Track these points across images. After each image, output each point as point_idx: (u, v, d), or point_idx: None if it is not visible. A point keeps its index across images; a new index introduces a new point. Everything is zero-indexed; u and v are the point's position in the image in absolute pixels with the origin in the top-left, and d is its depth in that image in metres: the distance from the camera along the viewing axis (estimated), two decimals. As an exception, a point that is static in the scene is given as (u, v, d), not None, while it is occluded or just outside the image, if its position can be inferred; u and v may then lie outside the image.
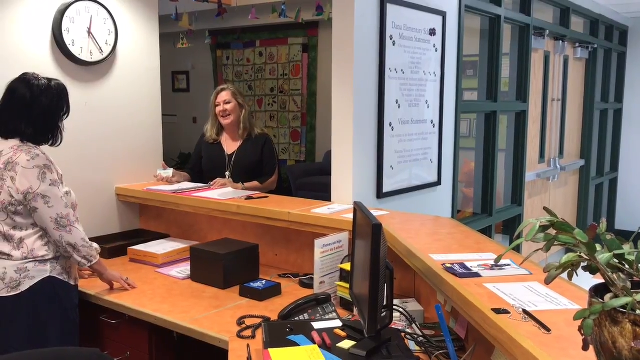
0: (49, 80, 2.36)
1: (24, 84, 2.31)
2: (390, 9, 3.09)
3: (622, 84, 7.53)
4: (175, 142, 10.37)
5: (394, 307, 1.90)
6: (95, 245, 2.47)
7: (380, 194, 3.22)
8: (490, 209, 4.45)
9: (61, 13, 3.02)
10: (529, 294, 1.61)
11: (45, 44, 3.01)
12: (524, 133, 4.89)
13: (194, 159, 3.76)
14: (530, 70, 4.89)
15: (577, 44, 6.04)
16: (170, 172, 3.45)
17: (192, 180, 3.56)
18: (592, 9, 6.17)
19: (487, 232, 4.50)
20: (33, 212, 2.28)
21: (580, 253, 1.07)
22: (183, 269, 2.85)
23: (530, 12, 4.75)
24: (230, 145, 3.59)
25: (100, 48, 3.22)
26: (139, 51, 3.48)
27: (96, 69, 3.25)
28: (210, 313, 2.33)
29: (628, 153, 7.65)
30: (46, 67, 2.99)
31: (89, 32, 3.16)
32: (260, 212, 2.84)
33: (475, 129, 4.73)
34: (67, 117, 2.42)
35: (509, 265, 1.88)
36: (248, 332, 2.10)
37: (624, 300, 0.93)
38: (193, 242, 3.10)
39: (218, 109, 3.55)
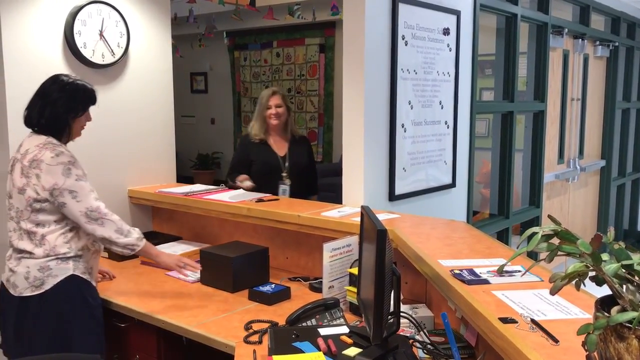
0: (75, 80, 2.39)
1: (51, 80, 2.37)
2: (402, 8, 3.04)
3: (645, 83, 7.37)
4: (193, 143, 10.43)
5: (402, 313, 1.86)
6: (135, 232, 2.42)
7: (392, 197, 3.17)
8: (507, 211, 4.38)
9: (73, 16, 3.03)
10: (538, 302, 1.56)
11: (57, 46, 3.02)
12: (542, 133, 4.80)
13: (242, 165, 3.62)
14: (548, 70, 4.80)
15: (598, 42, 5.92)
16: (249, 183, 3.46)
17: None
18: (614, 6, 6.04)
19: (504, 234, 4.42)
20: (62, 208, 2.29)
21: (586, 263, 1.03)
22: (192, 272, 2.84)
23: (549, 10, 4.66)
24: (280, 147, 3.61)
25: (112, 51, 3.23)
26: (151, 53, 3.48)
27: (108, 71, 3.25)
28: (219, 317, 2.31)
29: (651, 153, 7.48)
30: (58, 70, 2.99)
31: (101, 35, 3.16)
32: (270, 215, 2.82)
33: (492, 129, 4.65)
34: (81, 115, 2.40)
35: (519, 271, 1.83)
36: (255, 337, 2.08)
37: (630, 315, 0.88)
38: (204, 245, 3.09)
39: (270, 111, 3.58)
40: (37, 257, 2.28)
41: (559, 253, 0.99)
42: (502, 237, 4.40)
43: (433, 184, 3.51)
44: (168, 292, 2.64)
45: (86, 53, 3.10)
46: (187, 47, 8.45)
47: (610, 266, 1.01)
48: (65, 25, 3.03)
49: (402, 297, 2.41)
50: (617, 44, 6.21)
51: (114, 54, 3.24)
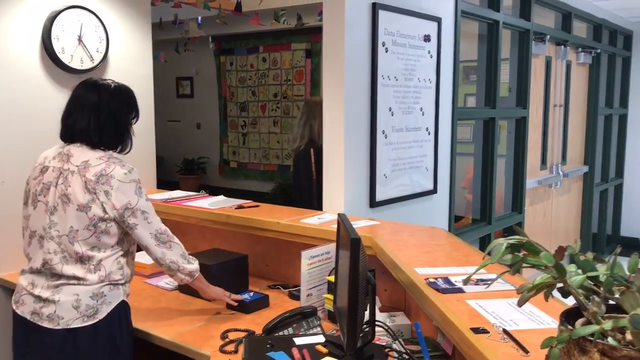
0: (114, 82, 2.21)
1: (90, 87, 2.15)
2: (382, 15, 3.04)
3: (627, 89, 7.44)
4: (179, 148, 10.36)
5: (377, 322, 1.85)
6: (193, 257, 2.29)
7: (373, 203, 3.17)
8: (489, 217, 4.39)
9: (51, 20, 3.00)
10: (512, 312, 1.55)
11: (35, 51, 2.99)
12: (524, 139, 4.82)
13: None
14: (530, 76, 4.82)
15: (580, 49, 5.97)
16: None
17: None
18: (595, 14, 6.10)
19: (486, 240, 4.43)
20: (131, 230, 2.09)
21: (552, 275, 1.02)
22: (172, 280, 2.81)
23: (531, 17, 4.69)
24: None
25: (91, 56, 3.20)
26: (131, 58, 3.45)
27: (87, 77, 3.21)
28: (195, 326, 2.29)
29: (633, 159, 7.55)
30: (35, 75, 2.97)
31: (80, 40, 3.13)
32: (249, 222, 2.80)
33: (474, 135, 4.67)
34: (136, 121, 2.27)
35: (491, 280, 1.82)
36: (231, 347, 2.06)
37: (591, 328, 0.88)
38: (184, 252, 3.06)
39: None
40: (90, 283, 2.04)
41: (524, 265, 0.98)
42: (485, 243, 4.41)
43: (414, 190, 3.51)
44: (146, 299, 2.61)
45: (64, 58, 3.07)
46: (173, 52, 8.40)
47: (575, 278, 1.01)
48: (43, 30, 3.00)
49: (380, 304, 2.41)
50: (599, 50, 6.26)
51: (92, 59, 3.21)
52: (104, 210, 2.03)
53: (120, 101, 2.18)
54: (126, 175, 2.06)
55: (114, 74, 3.35)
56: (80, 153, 2.09)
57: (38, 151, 2.29)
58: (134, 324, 2.26)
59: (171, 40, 8.36)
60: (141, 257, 3.01)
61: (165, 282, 2.81)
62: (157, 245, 2.14)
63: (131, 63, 3.45)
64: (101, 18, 3.22)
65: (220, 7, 5.96)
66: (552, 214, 5.72)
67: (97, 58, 3.23)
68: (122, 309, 2.13)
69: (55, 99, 3.01)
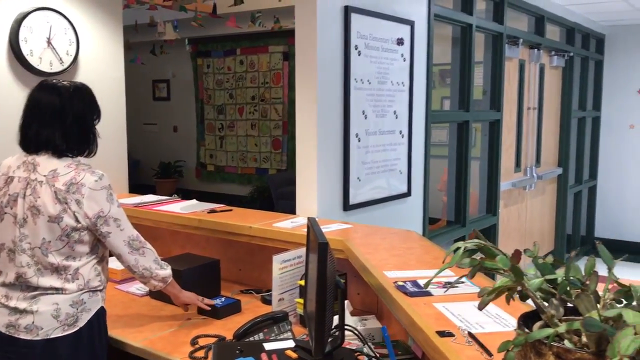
0: (71, 82, 2.11)
1: (49, 90, 2.04)
2: (355, 18, 3.05)
3: (600, 92, 7.56)
4: (155, 151, 10.29)
5: (346, 326, 1.85)
6: (165, 263, 2.25)
7: (347, 206, 3.17)
8: (463, 219, 4.42)
9: (18, 22, 2.95)
10: (477, 315, 1.56)
11: (2, 54, 2.94)
12: (498, 142, 4.87)
13: None
14: (504, 79, 4.87)
15: (553, 52, 6.05)
16: None
17: None
18: (568, 17, 6.18)
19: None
20: (104, 238, 2.03)
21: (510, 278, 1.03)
22: (143, 286, 2.77)
23: (504, 21, 4.74)
24: None
25: (61, 58, 3.15)
26: (102, 61, 3.42)
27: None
28: (165, 332, 2.26)
29: (607, 161, 7.66)
30: (3, 78, 2.92)
31: (49, 42, 3.09)
32: (221, 227, 2.78)
33: (448, 138, 4.70)
34: (98, 121, 2.16)
35: (462, 282, 1.83)
36: (201, 353, 2.04)
37: (546, 331, 0.88)
38: (156, 257, 3.03)
39: None
40: (70, 292, 2.00)
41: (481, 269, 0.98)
42: (460, 245, 4.43)
43: (388, 193, 3.52)
44: (116, 306, 2.57)
45: (33, 61, 3.02)
46: (149, 55, 8.34)
47: (533, 281, 1.01)
48: (10, 32, 2.95)
49: (352, 308, 2.41)
50: (572, 54, 6.35)
51: (62, 62, 3.16)
52: (77, 220, 1.97)
53: (83, 102, 2.08)
54: (97, 182, 2.00)
55: (85, 77, 3.31)
56: (46, 162, 2.01)
57: (6, 156, 2.23)
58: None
59: (147, 42, 8.30)
60: (111, 263, 2.97)
61: (136, 287, 2.77)
62: (130, 252, 2.10)
63: (102, 66, 3.42)
64: (71, 20, 3.19)
65: (196, 9, 5.92)
66: (527, 215, 5.78)
67: (67, 61, 3.19)
68: (101, 315, 2.10)
69: (23, 102, 2.95)
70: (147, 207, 3.09)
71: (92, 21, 3.34)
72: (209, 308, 2.39)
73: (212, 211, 2.98)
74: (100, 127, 3.36)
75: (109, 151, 3.48)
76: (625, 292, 0.98)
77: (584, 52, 6.82)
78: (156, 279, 2.18)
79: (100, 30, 3.38)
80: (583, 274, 1.01)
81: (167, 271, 2.22)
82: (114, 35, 3.47)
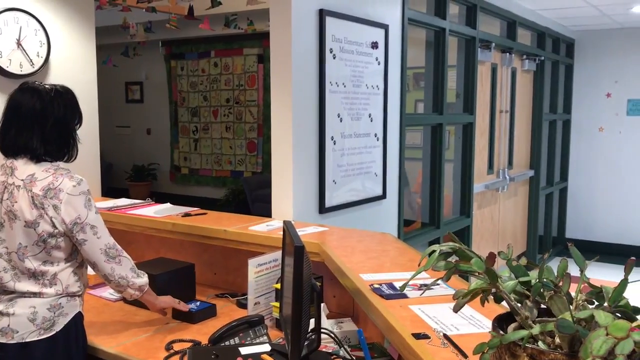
0: (52, 85, 2.06)
1: (30, 93, 1.99)
2: (330, 22, 3.06)
3: (570, 95, 7.70)
4: (128, 154, 10.17)
5: (323, 329, 1.84)
6: (141, 271, 2.20)
7: (322, 209, 3.17)
8: (437, 221, 4.46)
9: (-13, 24, 2.90)
10: (453, 317, 1.57)
11: (-30, 56, 2.88)
12: (471, 145, 4.92)
13: None
14: (477, 83, 4.93)
15: (525, 56, 6.14)
16: None
17: None
18: (539, 22, 6.29)
19: (435, 244, 4.49)
20: (80, 246, 1.99)
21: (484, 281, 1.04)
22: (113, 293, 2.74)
23: (476, 25, 4.80)
24: None
25: (31, 60, 3.10)
26: (74, 63, 3.37)
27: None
28: (140, 338, 2.23)
29: (577, 163, 7.81)
30: (-30, 80, 2.86)
31: (19, 44, 3.03)
32: (196, 230, 2.76)
33: (422, 141, 4.73)
34: (80, 125, 2.13)
35: (438, 284, 1.84)
36: (176, 358, 2.02)
37: (520, 333, 0.89)
38: (130, 261, 2.99)
39: None
40: (47, 296, 1.97)
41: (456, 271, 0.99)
42: (434, 246, 4.46)
43: (364, 195, 3.53)
44: (89, 311, 2.52)
45: (2, 62, 2.97)
46: (122, 56, 8.25)
47: (508, 283, 1.03)
48: (-21, 34, 2.89)
49: (328, 311, 2.41)
50: (542, 58, 6.46)
51: (33, 63, 3.11)
52: (53, 226, 1.94)
53: (64, 106, 2.04)
54: (75, 187, 1.97)
55: (56, 79, 3.25)
56: (24, 166, 1.98)
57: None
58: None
59: (120, 44, 8.21)
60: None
61: (110, 292, 2.73)
62: (106, 261, 2.04)
63: (74, 68, 3.37)
64: (42, 21, 3.13)
65: (170, 11, 5.87)
66: (500, 217, 5.85)
67: (38, 63, 3.13)
68: (79, 320, 2.07)
69: (-8, 105, 2.90)
70: (120, 211, 3.05)
71: (64, 22, 3.29)
72: (187, 309, 2.37)
73: (187, 215, 2.96)
74: (72, 130, 3.33)
75: (80, 154, 3.38)
76: (596, 293, 1.00)
77: (554, 56, 6.95)
78: (133, 288, 2.14)
79: (72, 31, 3.34)
80: (556, 275, 1.03)
81: (143, 279, 2.18)
82: (86, 36, 3.42)
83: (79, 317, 2.06)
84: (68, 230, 1.96)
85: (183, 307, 2.37)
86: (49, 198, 1.93)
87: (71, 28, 3.33)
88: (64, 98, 2.06)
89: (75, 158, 2.14)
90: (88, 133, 3.48)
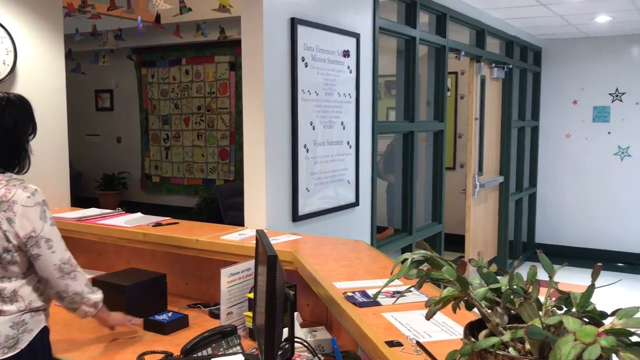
0: (6, 93, 1.99)
1: None
2: (301, 30, 3.07)
3: (538, 102, 7.84)
4: (98, 163, 10.02)
5: (296, 339, 1.84)
6: (97, 288, 2.13)
7: (296, 217, 3.17)
8: (410, 227, 4.49)
9: (-49, 31, 2.84)
10: (425, 324, 1.58)
11: None
12: (442, 152, 4.98)
13: None
14: (446, 91, 4.99)
15: (494, 64, 6.24)
16: None
17: None
18: (507, 31, 6.40)
19: (408, 250, 4.52)
20: (35, 260, 1.91)
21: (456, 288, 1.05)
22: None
23: (446, 34, 4.86)
24: None
25: (-3, 68, 3.04)
26: (42, 71, 3.31)
27: (-8, 90, 3.06)
28: (110, 350, 2.20)
29: (545, 169, 7.95)
30: None
31: (-16, 52, 2.97)
32: (167, 240, 2.73)
33: (394, 148, 4.77)
34: (34, 136, 2.06)
35: (411, 292, 1.85)
36: (147, 370, 1.99)
37: (491, 340, 0.90)
38: (100, 273, 2.94)
39: None
40: (9, 313, 1.90)
41: (427, 280, 1.00)
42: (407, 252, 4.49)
43: (337, 203, 3.54)
44: (57, 323, 2.47)
45: (-33, 71, 2.91)
46: (91, 64, 8.14)
47: (479, 290, 1.04)
48: (-58, 41, 2.83)
49: (302, 320, 2.40)
50: (511, 66, 6.57)
51: (-1, 71, 3.05)
52: (7, 240, 1.88)
53: (15, 117, 1.96)
54: (29, 198, 1.90)
55: (24, 87, 3.20)
56: None
57: None
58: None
59: (89, 51, 8.10)
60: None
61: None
62: (60, 277, 1.95)
63: (42, 76, 3.31)
64: (8, 29, 3.08)
65: (140, 19, 5.81)
66: (470, 223, 5.91)
67: (4, 71, 3.07)
68: (45, 335, 2.00)
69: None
70: (90, 221, 3.00)
71: (31, 30, 3.23)
72: (138, 327, 2.31)
73: (158, 224, 2.93)
74: (40, 139, 3.26)
75: (49, 163, 3.37)
76: (565, 299, 1.02)
77: (522, 64, 7.07)
78: (88, 304, 2.04)
79: (39, 39, 3.28)
80: (525, 282, 1.04)
81: (98, 296, 2.10)
82: (54, 44, 3.37)
83: (44, 332, 2.00)
84: (22, 244, 1.90)
85: (134, 325, 2.30)
86: (2, 211, 1.87)
87: (39, 35, 3.28)
88: (16, 107, 1.98)
89: (27, 170, 2.06)
90: (56, 142, 3.42)
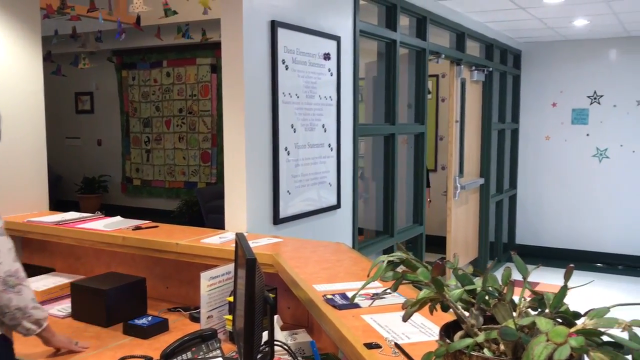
0: None
1: None
2: (282, 33, 3.07)
3: (518, 105, 7.92)
4: (78, 166, 9.92)
5: (276, 342, 1.84)
6: (42, 307, 1.99)
7: (277, 220, 3.16)
8: (391, 229, 4.50)
9: None
10: (404, 325, 1.59)
11: None
12: (422, 154, 5.01)
13: None
14: (427, 93, 5.02)
15: (474, 67, 6.29)
16: None
17: None
18: (487, 34, 6.46)
19: (389, 252, 4.54)
20: None
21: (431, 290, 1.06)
22: (65, 307, 2.67)
23: (426, 37, 4.89)
24: None
25: (-27, 71, 3.00)
26: (19, 74, 3.27)
27: (-32, 93, 3.02)
28: (89, 354, 2.18)
29: (525, 170, 8.03)
30: None
31: (-41, 54, 2.93)
32: (147, 244, 2.71)
33: (373, 150, 4.78)
34: None
35: (389, 293, 1.86)
36: (126, 375, 1.98)
37: (466, 342, 0.91)
38: (79, 277, 2.92)
39: None
40: None
41: (404, 281, 1.01)
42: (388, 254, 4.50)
43: (319, 205, 3.54)
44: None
45: (-58, 73, 2.86)
46: (71, 66, 8.06)
47: (454, 292, 1.05)
48: None
49: (282, 323, 2.40)
50: (491, 69, 6.63)
51: (-25, 74, 3.01)
52: None
53: None
54: None
55: (0, 90, 3.16)
56: None
57: None
58: (19, 357, 2.12)
59: (69, 54, 8.02)
60: (32, 284, 2.84)
61: (58, 309, 2.66)
62: (3, 290, 1.80)
63: (19, 79, 3.27)
64: (-16, 31, 3.04)
65: (119, 20, 5.77)
66: (452, 225, 5.95)
67: (-20, 73, 3.03)
68: (2, 346, 1.90)
69: None
70: (69, 225, 2.97)
71: (8, 32, 3.20)
72: (82, 351, 2.18)
73: (138, 228, 2.91)
74: (17, 142, 3.24)
75: (27, 167, 3.34)
76: (539, 300, 1.03)
77: (502, 67, 7.14)
78: (29, 320, 1.89)
79: (16, 41, 3.24)
80: (500, 283, 1.05)
81: (44, 313, 1.96)
82: (31, 45, 3.33)
83: (2, 342, 1.88)
84: None
85: (79, 349, 2.18)
86: None
87: (16, 37, 3.24)
88: None
89: None
90: (34, 145, 3.39)
